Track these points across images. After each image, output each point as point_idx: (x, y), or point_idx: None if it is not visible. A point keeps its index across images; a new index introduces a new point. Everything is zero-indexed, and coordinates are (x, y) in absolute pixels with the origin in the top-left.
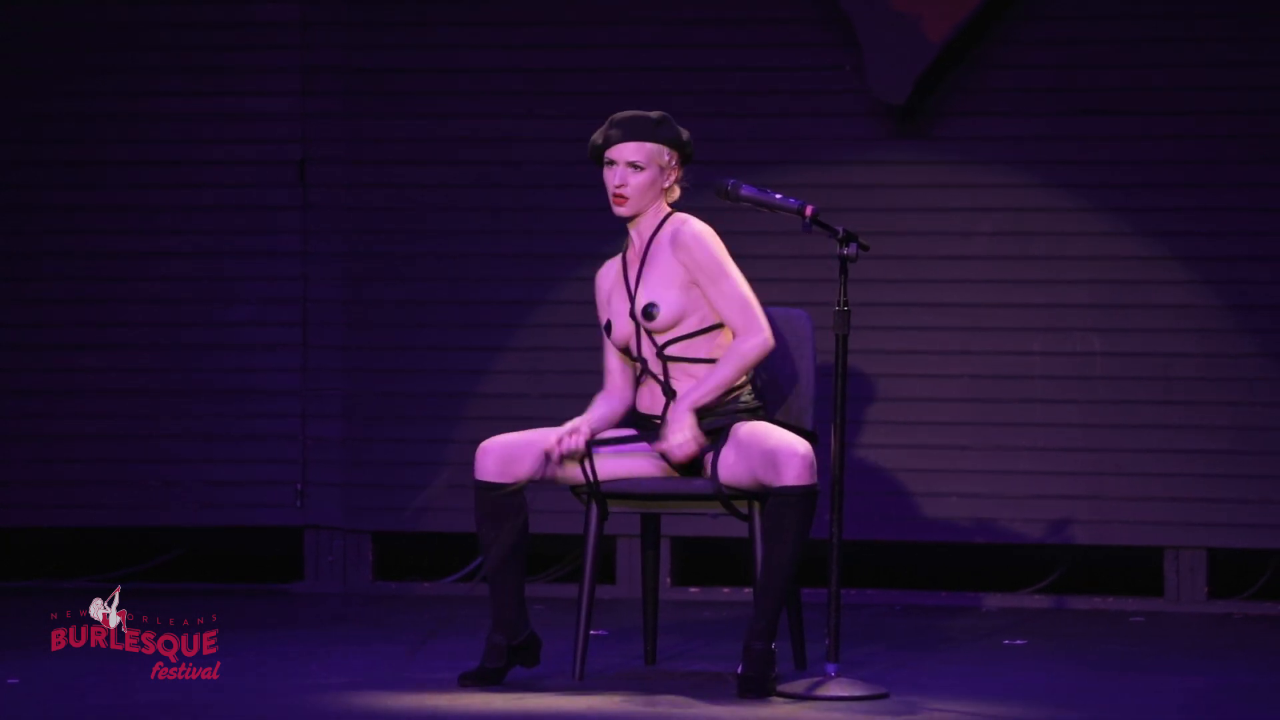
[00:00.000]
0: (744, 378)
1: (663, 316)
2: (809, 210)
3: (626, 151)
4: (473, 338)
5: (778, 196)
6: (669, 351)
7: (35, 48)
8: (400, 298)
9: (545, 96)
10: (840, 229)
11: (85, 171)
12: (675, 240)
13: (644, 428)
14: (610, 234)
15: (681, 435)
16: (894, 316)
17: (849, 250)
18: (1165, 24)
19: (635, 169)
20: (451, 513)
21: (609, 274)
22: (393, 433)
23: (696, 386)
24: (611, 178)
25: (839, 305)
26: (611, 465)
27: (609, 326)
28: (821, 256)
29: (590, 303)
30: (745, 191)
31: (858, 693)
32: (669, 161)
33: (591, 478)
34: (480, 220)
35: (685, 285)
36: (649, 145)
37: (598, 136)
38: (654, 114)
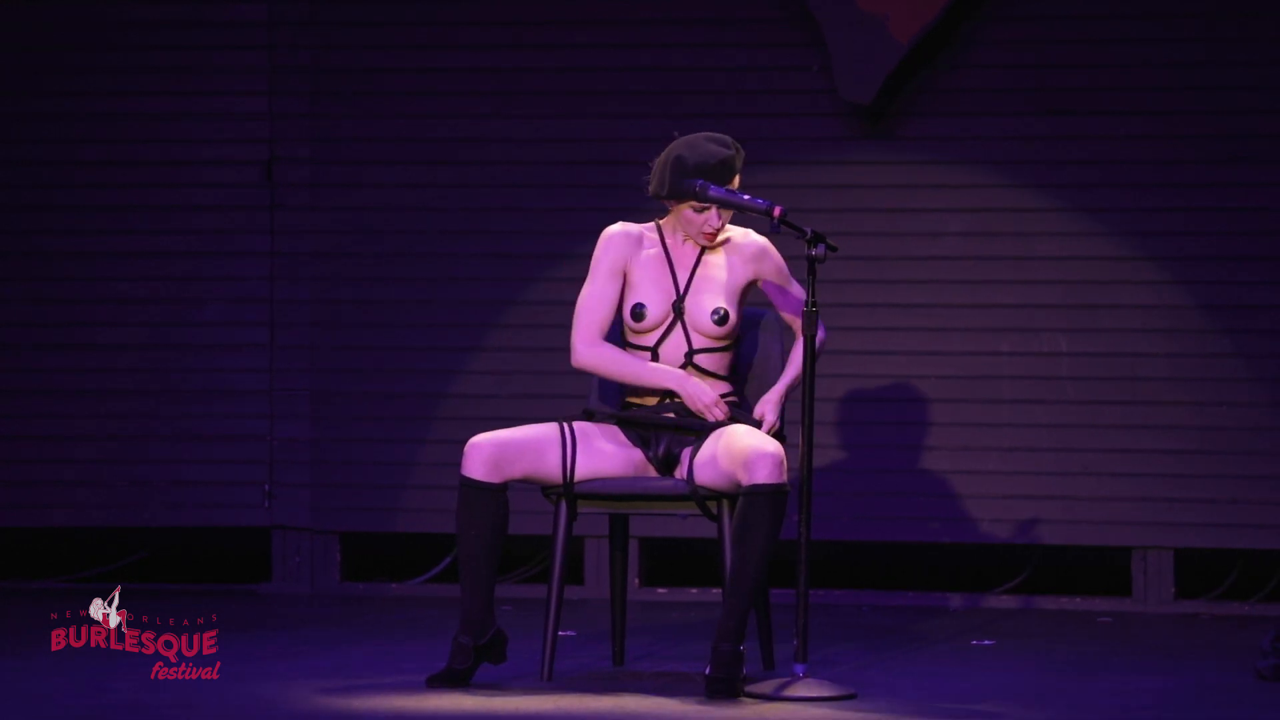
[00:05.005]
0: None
1: (731, 324)
2: (777, 211)
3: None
4: (441, 338)
5: (746, 197)
6: (699, 360)
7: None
8: (368, 298)
9: (514, 97)
10: (808, 230)
11: (51, 171)
12: (747, 250)
13: (630, 420)
14: (579, 234)
15: (770, 414)
16: (862, 317)
17: (817, 251)
18: (1133, 24)
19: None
20: (420, 514)
21: (634, 244)
22: (361, 433)
23: (787, 375)
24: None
25: (807, 306)
26: (591, 463)
27: (639, 310)
28: (790, 257)
29: (557, 302)
30: (714, 192)
31: (826, 693)
32: (677, 207)
33: (569, 476)
34: (449, 221)
35: (742, 295)
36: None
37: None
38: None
